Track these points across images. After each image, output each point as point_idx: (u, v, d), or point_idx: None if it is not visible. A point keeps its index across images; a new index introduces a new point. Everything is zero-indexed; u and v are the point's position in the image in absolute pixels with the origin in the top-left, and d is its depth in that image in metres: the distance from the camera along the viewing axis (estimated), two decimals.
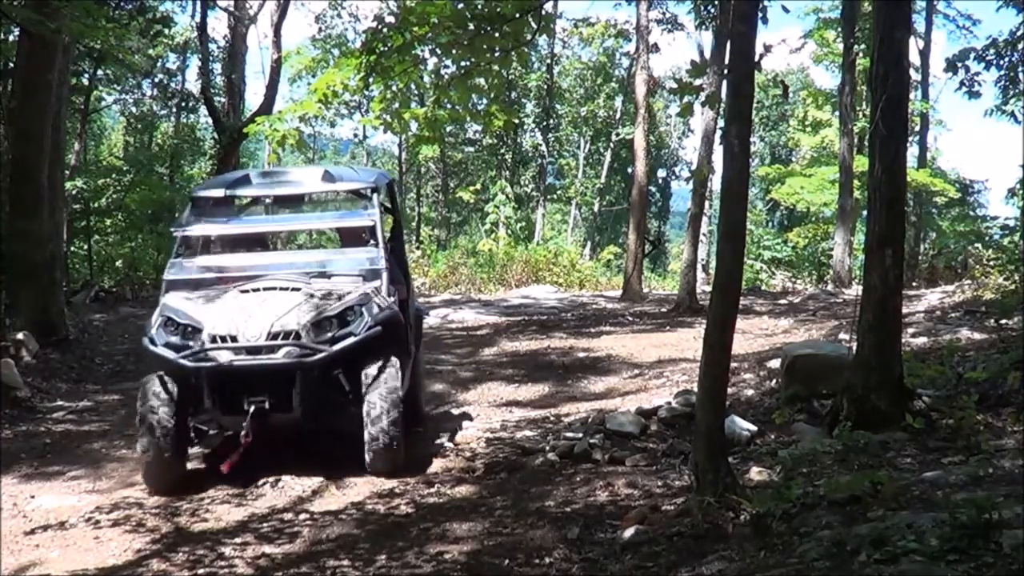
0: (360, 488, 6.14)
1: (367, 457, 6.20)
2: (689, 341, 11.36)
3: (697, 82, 5.72)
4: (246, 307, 6.26)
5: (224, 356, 6.05)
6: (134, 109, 28.33)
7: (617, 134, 34.01)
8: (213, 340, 6.08)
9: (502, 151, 34.04)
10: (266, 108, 18.13)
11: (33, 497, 6.17)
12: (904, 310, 8.00)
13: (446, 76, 6.88)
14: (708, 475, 4.84)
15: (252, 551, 5.03)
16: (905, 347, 7.54)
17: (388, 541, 5.11)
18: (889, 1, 6.71)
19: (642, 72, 18.69)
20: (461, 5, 6.21)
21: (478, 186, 33.42)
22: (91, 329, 12.71)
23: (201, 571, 4.78)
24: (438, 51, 6.63)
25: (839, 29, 23.26)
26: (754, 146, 36.67)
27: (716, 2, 18.55)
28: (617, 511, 5.35)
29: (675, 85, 5.62)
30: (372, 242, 7.07)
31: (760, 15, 5.34)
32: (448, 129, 20.31)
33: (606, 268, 28.10)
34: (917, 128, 26.66)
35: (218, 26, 28.17)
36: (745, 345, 10.55)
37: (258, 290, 6.49)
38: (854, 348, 6.62)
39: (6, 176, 11.55)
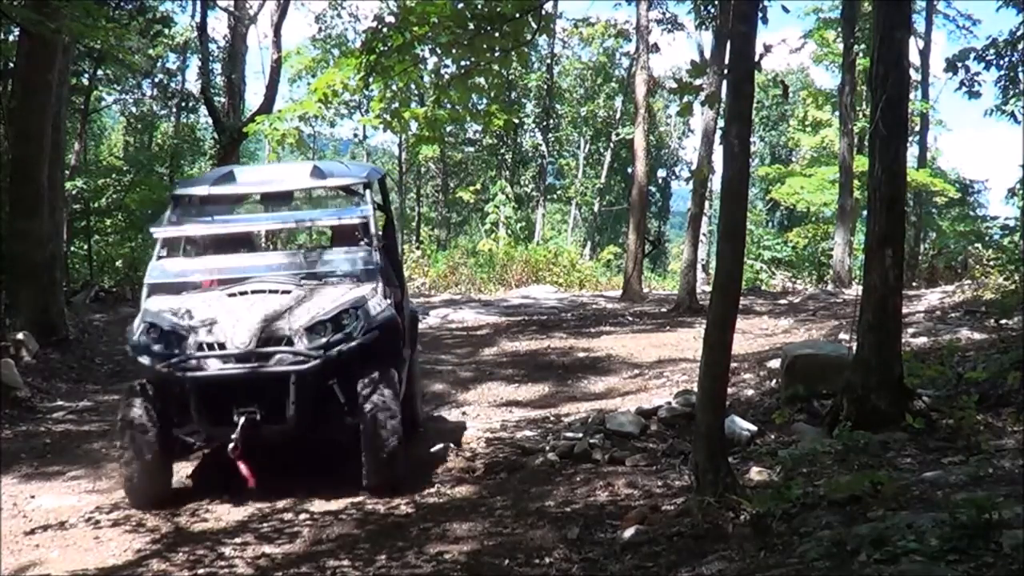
0: (360, 488, 6.10)
1: (365, 475, 5.86)
2: (689, 341, 11.36)
3: (697, 82, 5.72)
4: (234, 311, 5.89)
5: (211, 364, 5.70)
6: (134, 109, 28.34)
7: (617, 134, 34.02)
8: (199, 347, 5.73)
9: (502, 151, 34.04)
10: (266, 108, 18.13)
11: (33, 497, 6.17)
12: (904, 310, 8.00)
13: (446, 76, 6.89)
14: (708, 475, 4.84)
15: (252, 551, 5.03)
16: (905, 347, 7.55)
17: (388, 541, 5.11)
18: (889, 1, 6.70)
19: (642, 72, 18.69)
20: (461, 5, 6.21)
21: (478, 186, 33.43)
22: (91, 329, 12.70)
23: (201, 571, 4.78)
24: (438, 51, 6.63)
25: (839, 29, 23.25)
26: (754, 146, 36.68)
27: (716, 2, 18.56)
28: (617, 511, 5.35)
29: (675, 85, 5.63)
30: (365, 241, 6.70)
31: (760, 15, 5.34)
32: (448, 129, 20.31)
33: (606, 268, 28.10)
34: (917, 128, 26.66)
35: (218, 26, 28.22)
36: (745, 345, 10.56)
37: (246, 293, 6.13)
38: (854, 348, 6.62)
39: (6, 176, 11.55)
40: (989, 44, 13.42)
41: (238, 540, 5.20)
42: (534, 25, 6.33)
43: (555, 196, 37.24)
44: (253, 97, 35.83)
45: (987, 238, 18.47)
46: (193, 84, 25.72)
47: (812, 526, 4.38)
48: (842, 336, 9.75)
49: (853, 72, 20.40)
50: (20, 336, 10.03)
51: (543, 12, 6.57)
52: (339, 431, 6.07)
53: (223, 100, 20.04)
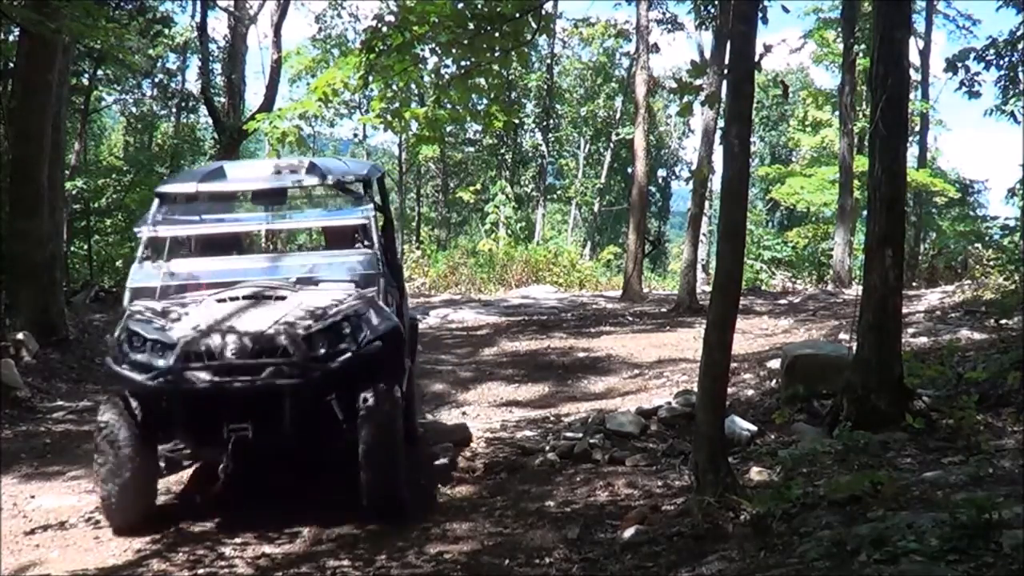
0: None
1: (365, 500, 5.35)
2: (689, 341, 11.36)
3: (697, 82, 5.72)
4: (224, 319, 5.42)
5: (198, 377, 5.18)
6: (134, 109, 28.37)
7: (617, 134, 34.02)
8: (186, 358, 5.20)
9: (502, 151, 34.03)
10: (266, 108, 18.09)
11: (33, 497, 6.16)
12: (904, 310, 8.00)
13: (446, 76, 6.89)
14: (708, 475, 4.85)
15: (252, 551, 5.03)
16: (905, 347, 7.55)
17: (388, 541, 5.11)
18: (889, 1, 6.71)
19: (642, 72, 18.69)
20: (461, 5, 6.22)
21: (478, 186, 33.41)
22: (91, 329, 12.69)
23: (201, 571, 4.78)
24: (438, 50, 6.63)
25: (839, 29, 23.26)
26: (754, 146, 36.67)
27: (716, 2, 18.55)
28: (617, 511, 5.35)
29: (675, 85, 5.63)
30: (365, 243, 6.28)
31: (760, 15, 5.35)
32: (448, 129, 20.31)
33: (606, 268, 28.11)
34: (917, 128, 26.67)
35: (218, 26, 28.26)
36: (745, 345, 10.56)
37: (237, 298, 5.65)
38: (854, 348, 6.62)
39: (6, 176, 11.55)
40: (989, 44, 13.43)
41: (238, 540, 5.19)
42: (534, 25, 6.33)
43: (555, 196, 37.23)
44: (253, 97, 35.82)
45: (987, 238, 18.49)
46: (193, 84, 25.78)
47: (812, 526, 4.38)
48: (842, 336, 9.75)
49: (853, 72, 20.39)
50: (20, 336, 10.03)
51: (543, 12, 6.57)
52: (338, 449, 5.58)
53: (223, 100, 20.03)
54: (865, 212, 7.45)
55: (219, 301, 5.65)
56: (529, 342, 12.37)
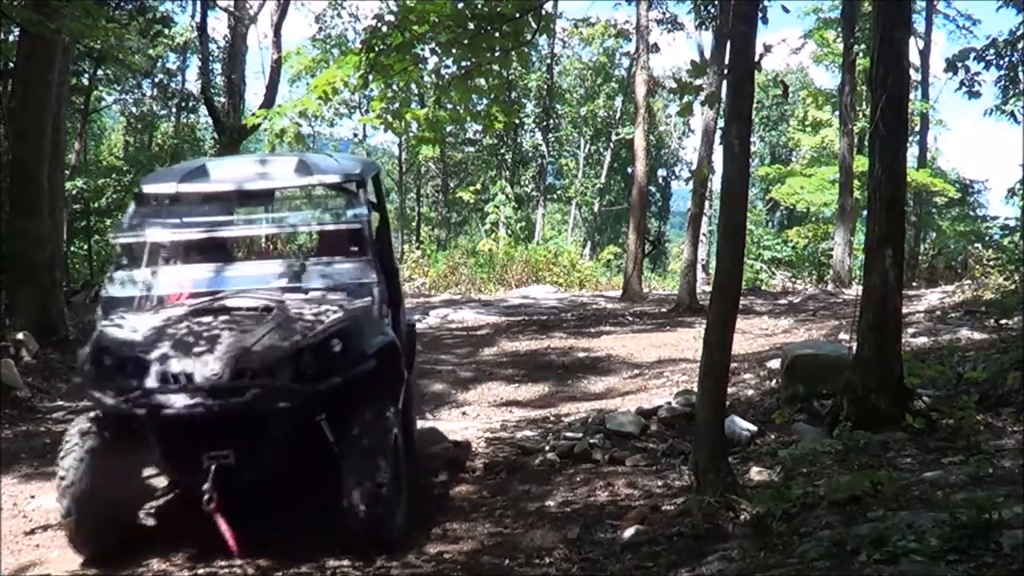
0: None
1: (345, 531, 4.86)
2: (689, 341, 11.36)
3: (697, 82, 5.72)
4: (204, 334, 4.95)
5: (175, 400, 4.70)
6: (134, 109, 28.40)
7: (617, 134, 34.03)
8: (162, 379, 4.73)
9: (502, 151, 34.05)
10: (266, 108, 18.13)
11: (33, 497, 6.15)
12: (904, 310, 8.00)
13: (446, 76, 6.89)
14: (708, 475, 4.85)
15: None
16: (905, 347, 7.55)
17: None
18: (889, 1, 6.71)
19: (642, 72, 18.69)
20: (461, 5, 6.22)
21: (478, 186, 33.42)
22: (91, 329, 12.68)
23: (201, 571, 4.77)
24: (438, 50, 6.63)
25: (839, 29, 23.27)
26: (754, 146, 36.69)
27: (716, 2, 18.55)
28: (617, 511, 5.35)
29: (675, 85, 5.63)
30: (359, 248, 5.77)
31: (760, 15, 5.35)
32: (448, 129, 20.29)
33: (606, 268, 28.12)
34: (917, 128, 26.68)
35: (218, 26, 28.24)
36: (745, 345, 10.56)
37: (219, 311, 5.20)
38: (854, 348, 6.62)
39: (6, 176, 11.56)
40: (989, 44, 13.43)
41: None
42: (534, 25, 6.33)
43: (555, 196, 37.25)
44: (253, 97, 35.92)
45: (987, 238, 18.49)
46: (193, 84, 25.82)
47: (812, 526, 4.38)
48: (842, 336, 9.75)
49: (853, 72, 20.40)
50: (20, 336, 10.03)
51: (543, 12, 6.57)
52: (328, 477, 4.93)
53: (223, 100, 20.04)
54: (865, 212, 7.45)
55: (198, 314, 5.18)
56: (529, 342, 12.37)
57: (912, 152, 25.46)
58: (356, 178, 6.03)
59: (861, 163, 18.80)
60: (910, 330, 9.63)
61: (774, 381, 8.18)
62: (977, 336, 9.29)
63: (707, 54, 21.37)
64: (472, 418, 8.36)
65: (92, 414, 4.99)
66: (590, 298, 18.59)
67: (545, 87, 33.20)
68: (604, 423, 7.23)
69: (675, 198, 41.74)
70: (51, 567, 4.93)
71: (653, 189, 37.95)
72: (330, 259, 5.88)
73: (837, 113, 24.33)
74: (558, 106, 35.22)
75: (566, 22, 32.60)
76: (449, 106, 7.02)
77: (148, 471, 5.42)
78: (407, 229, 33.44)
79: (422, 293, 20.82)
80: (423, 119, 7.38)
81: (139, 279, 5.74)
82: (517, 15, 6.04)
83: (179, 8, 23.12)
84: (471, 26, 6.05)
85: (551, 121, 34.68)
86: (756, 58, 5.10)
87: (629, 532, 4.85)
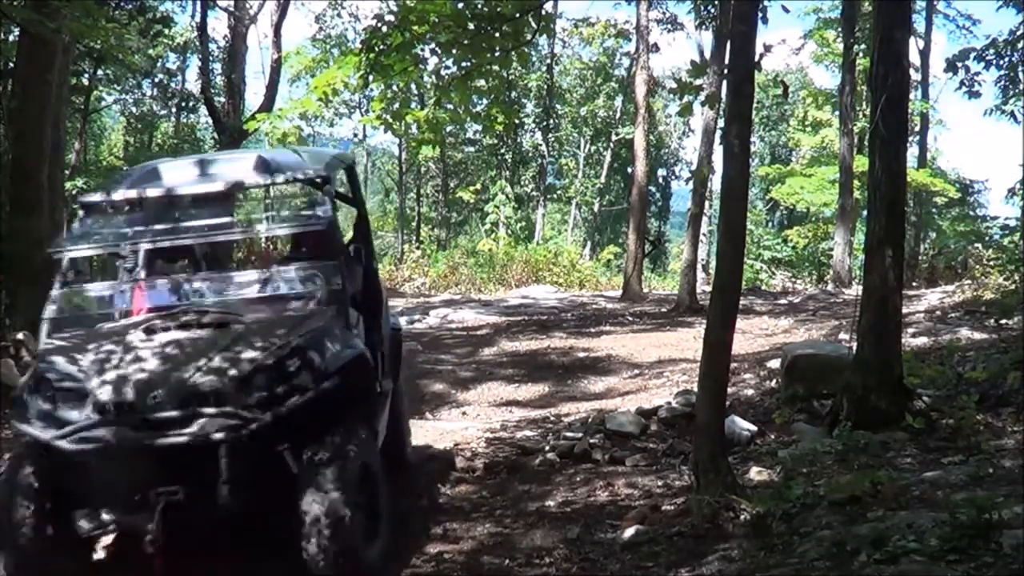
0: None
1: (307, 572, 4.29)
2: (689, 341, 11.36)
3: (697, 82, 5.73)
4: (150, 356, 4.51)
5: (116, 433, 4.26)
6: (134, 109, 28.40)
7: (617, 134, 34.02)
8: (103, 410, 4.29)
9: (502, 151, 34.05)
10: (266, 108, 18.09)
11: None
12: (904, 310, 8.00)
13: (446, 76, 6.89)
14: (708, 475, 4.85)
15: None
16: (905, 347, 7.55)
17: (388, 540, 5.09)
18: (889, 1, 6.71)
19: (642, 72, 18.69)
20: (461, 5, 6.22)
21: (478, 186, 33.44)
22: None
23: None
24: (438, 51, 6.63)
25: (839, 29, 23.29)
26: (754, 146, 36.67)
27: (716, 2, 18.56)
28: (617, 511, 5.35)
29: (675, 85, 5.63)
30: (326, 251, 5.27)
31: (760, 15, 5.35)
32: (448, 129, 20.30)
33: (606, 268, 28.12)
34: (917, 128, 26.68)
35: (218, 26, 28.28)
36: (745, 345, 10.56)
37: (169, 328, 4.71)
38: (854, 348, 6.62)
39: (6, 176, 11.54)
40: (989, 44, 13.43)
41: None
42: (534, 25, 6.34)
43: (555, 196, 37.23)
44: (253, 97, 35.87)
45: (987, 238, 18.46)
46: (193, 84, 25.82)
47: (812, 526, 4.38)
48: (842, 336, 9.75)
49: (853, 72, 20.41)
50: (20, 336, 10.02)
51: (543, 12, 6.58)
52: (288, 513, 4.37)
53: (223, 100, 20.04)
54: (865, 212, 7.46)
55: (147, 332, 4.71)
56: (529, 342, 12.37)
57: (912, 152, 25.48)
58: (320, 175, 5.38)
59: (861, 163, 18.80)
60: (910, 330, 9.63)
61: (774, 381, 8.18)
62: (977, 336, 9.29)
63: (707, 54, 21.34)
64: (472, 418, 8.37)
65: (26, 457, 4.48)
66: (590, 298, 18.59)
67: (545, 87, 33.20)
68: (604, 423, 7.24)
69: (675, 198, 41.74)
70: None
71: (653, 189, 37.94)
72: (295, 265, 5.39)
73: (837, 113, 24.34)
74: (558, 106, 35.21)
75: (566, 22, 32.62)
76: (449, 106, 7.02)
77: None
78: (407, 229, 33.44)
79: (422, 293, 20.82)
80: (423, 120, 7.39)
81: (85, 296, 5.31)
82: (517, 15, 6.04)
83: (179, 8, 23.16)
84: (471, 26, 6.06)
85: (551, 121, 34.67)
86: (756, 58, 5.11)
87: (629, 532, 4.85)
